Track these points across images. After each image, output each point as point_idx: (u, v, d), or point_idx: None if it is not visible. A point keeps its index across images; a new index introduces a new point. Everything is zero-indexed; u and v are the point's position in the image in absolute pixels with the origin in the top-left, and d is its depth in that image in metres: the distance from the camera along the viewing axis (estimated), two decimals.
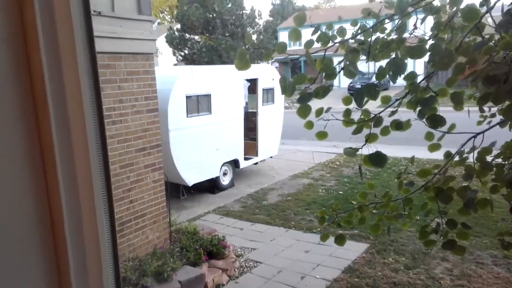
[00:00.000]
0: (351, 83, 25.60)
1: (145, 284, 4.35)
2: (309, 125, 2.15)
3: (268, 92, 9.69)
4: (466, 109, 2.39)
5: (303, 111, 1.97)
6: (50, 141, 0.74)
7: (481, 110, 2.76)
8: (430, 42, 2.16)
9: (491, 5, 1.96)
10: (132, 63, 4.76)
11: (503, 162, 2.26)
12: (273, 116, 9.96)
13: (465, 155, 2.29)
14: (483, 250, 5.41)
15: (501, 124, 2.52)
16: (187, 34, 29.87)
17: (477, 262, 5.13)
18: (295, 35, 1.95)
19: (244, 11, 29.27)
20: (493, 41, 1.90)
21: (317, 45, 2.12)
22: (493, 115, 2.81)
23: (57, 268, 0.77)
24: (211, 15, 27.94)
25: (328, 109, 2.15)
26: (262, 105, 9.53)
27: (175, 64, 29.61)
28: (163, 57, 31.92)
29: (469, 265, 5.08)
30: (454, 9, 2.21)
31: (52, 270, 0.77)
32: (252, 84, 9.29)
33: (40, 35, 0.69)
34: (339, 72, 1.95)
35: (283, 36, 36.98)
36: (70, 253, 0.76)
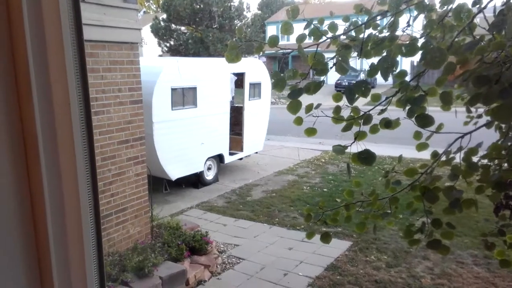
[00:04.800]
0: (338, 80, 25.77)
1: (125, 280, 4.26)
2: (299, 121, 2.11)
3: (255, 86, 9.63)
4: (452, 109, 2.39)
5: (294, 106, 1.92)
6: (33, 134, 0.68)
7: (468, 111, 2.77)
8: (421, 40, 2.14)
9: (484, 5, 1.94)
10: (116, 52, 4.63)
11: (489, 163, 2.27)
12: (260, 111, 9.90)
13: (451, 155, 2.29)
14: (463, 250, 5.50)
15: (488, 125, 2.54)
16: (173, 25, 29.42)
17: (457, 262, 5.21)
18: (287, 29, 1.90)
19: (232, 3, 28.99)
20: (483, 42, 1.89)
21: (307, 40, 2.08)
22: (479, 116, 2.82)
23: (38, 265, 0.73)
24: (198, 6, 27.56)
25: (318, 106, 2.11)
26: (249, 99, 9.46)
27: (160, 55, 29.16)
28: (148, 47, 31.43)
29: (449, 264, 5.15)
30: (445, 8, 2.20)
31: (33, 266, 0.72)
32: (239, 78, 9.20)
33: (26, 20, 0.64)
34: (331, 68, 1.90)
35: (271, 30, 36.89)
36: (52, 249, 0.72)
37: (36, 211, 0.71)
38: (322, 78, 2.13)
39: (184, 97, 7.70)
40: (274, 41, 1.85)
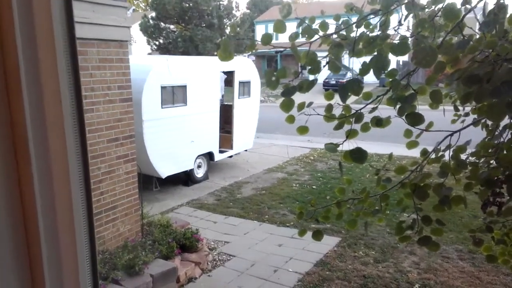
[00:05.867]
0: (326, 78, 25.90)
1: (115, 278, 4.23)
2: (291, 119, 2.13)
3: (245, 85, 9.63)
4: (440, 108, 2.43)
5: (287, 105, 1.94)
6: (23, 133, 0.67)
7: (456, 109, 2.82)
8: (410, 40, 2.18)
9: (473, 5, 1.99)
10: (105, 50, 4.58)
11: (477, 161, 2.32)
12: (249, 110, 9.91)
13: (441, 153, 2.33)
14: (449, 245, 5.61)
15: (475, 123, 2.60)
16: (162, 23, 29.17)
17: (443, 256, 5.32)
18: (280, 27, 1.91)
19: (221, 2, 28.88)
20: (471, 41, 1.94)
21: (298, 39, 2.09)
22: (467, 114, 2.88)
23: (29, 265, 0.71)
24: (187, 4, 27.38)
25: (310, 104, 2.13)
26: (238, 98, 9.45)
27: (149, 54, 28.89)
28: (137, 45, 31.08)
29: (435, 259, 5.26)
30: (433, 7, 2.24)
31: (23, 267, 0.71)
32: (229, 77, 9.19)
33: (16, 15, 0.63)
34: (324, 66, 1.93)
35: (260, 29, 36.89)
36: (44, 249, 0.71)
37: (27, 212, 0.70)
38: (314, 76, 2.15)
39: (174, 95, 7.66)
40: (267, 39, 1.86)
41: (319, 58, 1.98)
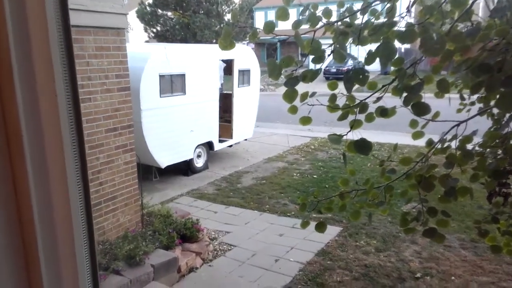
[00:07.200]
0: (326, 67, 25.66)
1: (116, 268, 4.22)
2: (294, 110, 2.07)
3: (244, 73, 9.52)
4: (445, 97, 2.37)
5: (290, 95, 1.88)
6: (17, 127, 0.63)
7: (462, 98, 2.76)
8: (416, 27, 2.10)
9: None
10: (102, 38, 4.49)
11: (483, 151, 2.28)
12: (249, 98, 9.82)
13: (447, 144, 2.28)
14: (450, 234, 5.60)
15: (482, 113, 2.54)
16: (159, 10, 28.73)
17: (445, 245, 5.31)
18: (282, 14, 1.84)
19: None
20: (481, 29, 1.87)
21: (300, 27, 2.02)
22: (472, 103, 2.82)
23: (25, 259, 0.68)
24: None
25: (313, 94, 2.07)
26: (238, 86, 9.36)
27: (147, 41, 28.57)
28: (134, 33, 30.70)
29: (437, 248, 5.25)
30: None
31: (19, 263, 0.68)
32: (228, 65, 9.08)
33: (6, 5, 0.59)
34: (328, 55, 1.86)
35: (260, 16, 36.45)
36: (40, 245, 0.68)
37: (22, 208, 0.67)
38: (317, 65, 2.08)
39: (172, 84, 7.57)
40: (270, 27, 1.79)
41: (323, 47, 1.91)
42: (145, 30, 29.95)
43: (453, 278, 4.63)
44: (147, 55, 7.14)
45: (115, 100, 4.71)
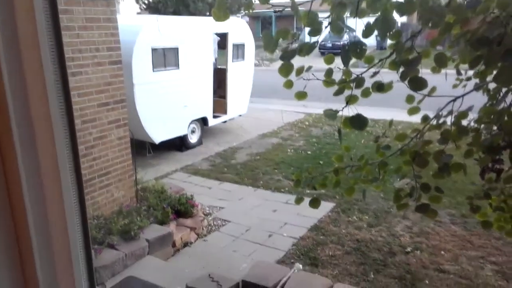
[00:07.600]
0: (322, 41, 25.30)
1: (111, 243, 4.25)
2: (289, 84, 2.03)
3: (239, 47, 9.35)
4: (442, 72, 2.34)
5: (286, 69, 1.83)
6: (2, 97, 0.61)
7: (459, 73, 2.73)
8: None
9: None
10: (91, 9, 4.35)
11: (478, 127, 2.27)
12: (243, 74, 9.70)
13: (442, 119, 2.27)
14: (441, 209, 5.68)
15: (478, 88, 2.51)
16: None
17: (435, 220, 5.39)
18: None
19: None
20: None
21: None
22: (468, 79, 2.79)
23: (17, 244, 0.68)
24: None
25: (309, 68, 2.02)
26: (232, 61, 9.21)
27: (138, 13, 27.84)
28: (125, 4, 29.86)
29: (427, 223, 5.34)
30: None
31: (11, 246, 0.67)
32: (222, 39, 8.90)
33: None
34: (326, 27, 1.81)
35: None
36: (32, 227, 0.66)
37: (11, 187, 0.65)
38: (313, 38, 2.03)
39: (165, 58, 7.42)
40: None
41: (320, 19, 1.86)
42: (137, 1, 29.15)
43: (442, 252, 4.73)
44: (139, 28, 6.96)
45: (107, 73, 4.62)
